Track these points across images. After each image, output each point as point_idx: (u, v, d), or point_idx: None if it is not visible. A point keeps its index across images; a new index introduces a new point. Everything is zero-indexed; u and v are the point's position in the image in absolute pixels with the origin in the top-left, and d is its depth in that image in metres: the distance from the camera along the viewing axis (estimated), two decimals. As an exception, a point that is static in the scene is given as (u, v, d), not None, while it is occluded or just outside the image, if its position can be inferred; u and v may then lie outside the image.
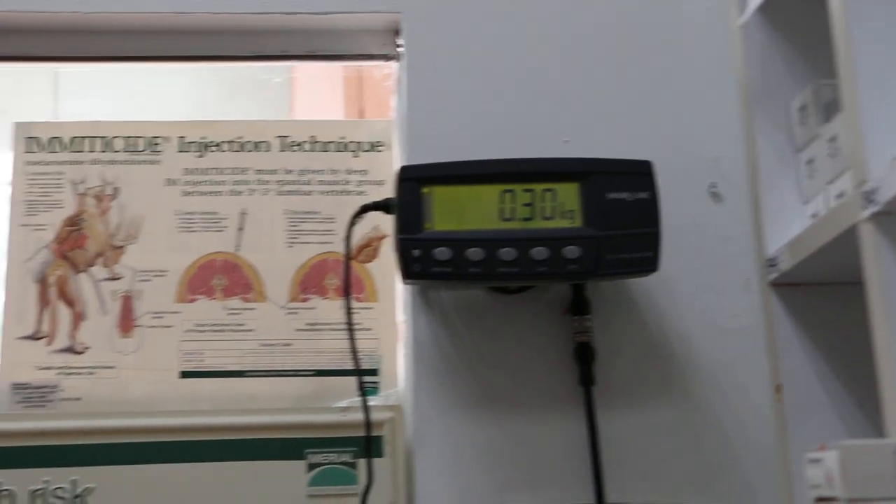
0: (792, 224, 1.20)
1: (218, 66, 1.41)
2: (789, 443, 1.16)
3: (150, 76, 1.48)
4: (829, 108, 1.14)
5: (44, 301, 1.29)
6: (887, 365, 0.89)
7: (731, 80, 1.31)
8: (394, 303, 1.31)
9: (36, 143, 1.34)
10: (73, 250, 1.31)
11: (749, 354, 1.24)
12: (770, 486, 1.20)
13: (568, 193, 1.15)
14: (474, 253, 1.12)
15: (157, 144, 1.35)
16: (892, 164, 0.88)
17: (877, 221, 0.92)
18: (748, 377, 1.24)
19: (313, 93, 1.52)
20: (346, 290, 1.19)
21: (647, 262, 1.14)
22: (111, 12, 1.33)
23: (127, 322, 1.29)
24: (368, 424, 1.16)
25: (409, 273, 1.12)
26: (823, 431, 1.16)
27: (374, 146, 1.36)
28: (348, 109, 1.50)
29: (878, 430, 1.12)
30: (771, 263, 1.19)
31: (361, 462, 1.19)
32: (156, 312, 1.29)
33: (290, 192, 1.34)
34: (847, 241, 0.99)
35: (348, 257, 1.20)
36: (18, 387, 1.27)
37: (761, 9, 1.18)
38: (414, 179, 1.15)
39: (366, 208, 1.20)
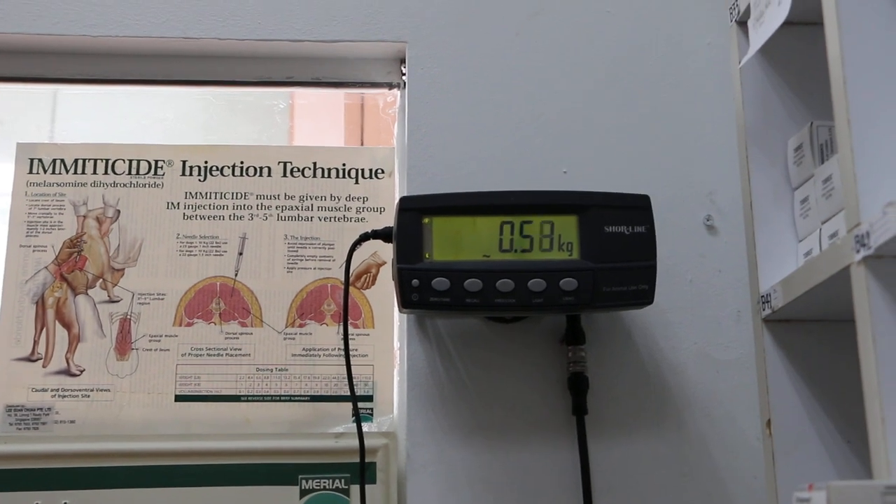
0: (785, 260, 1.21)
1: (221, 90, 1.41)
2: (777, 477, 1.17)
3: (146, 99, 1.46)
4: (825, 149, 1.15)
5: (41, 322, 1.29)
6: (875, 405, 0.90)
7: (729, 116, 1.32)
8: (390, 330, 1.31)
9: (38, 163, 1.34)
10: (72, 272, 1.31)
11: (741, 387, 1.25)
12: (759, 520, 1.21)
13: (566, 226, 1.16)
14: (472, 284, 1.13)
15: (159, 168, 1.35)
16: (884, 209, 0.89)
17: (868, 265, 0.92)
18: (739, 410, 1.24)
19: (313, 119, 1.52)
20: (345, 317, 1.20)
21: (643, 294, 1.15)
22: (118, 36, 1.33)
23: (124, 345, 1.29)
24: (363, 451, 1.17)
25: (407, 302, 1.13)
26: (812, 467, 1.17)
27: (375, 173, 1.37)
28: (349, 137, 1.50)
29: (865, 466, 1.13)
30: (764, 300, 1.20)
31: (354, 488, 1.20)
32: (153, 336, 1.29)
33: (290, 218, 1.34)
34: (839, 282, 1.00)
35: (348, 284, 1.21)
36: (12, 408, 1.26)
37: (762, 50, 1.19)
38: (414, 210, 1.15)
39: (366, 236, 1.21)
